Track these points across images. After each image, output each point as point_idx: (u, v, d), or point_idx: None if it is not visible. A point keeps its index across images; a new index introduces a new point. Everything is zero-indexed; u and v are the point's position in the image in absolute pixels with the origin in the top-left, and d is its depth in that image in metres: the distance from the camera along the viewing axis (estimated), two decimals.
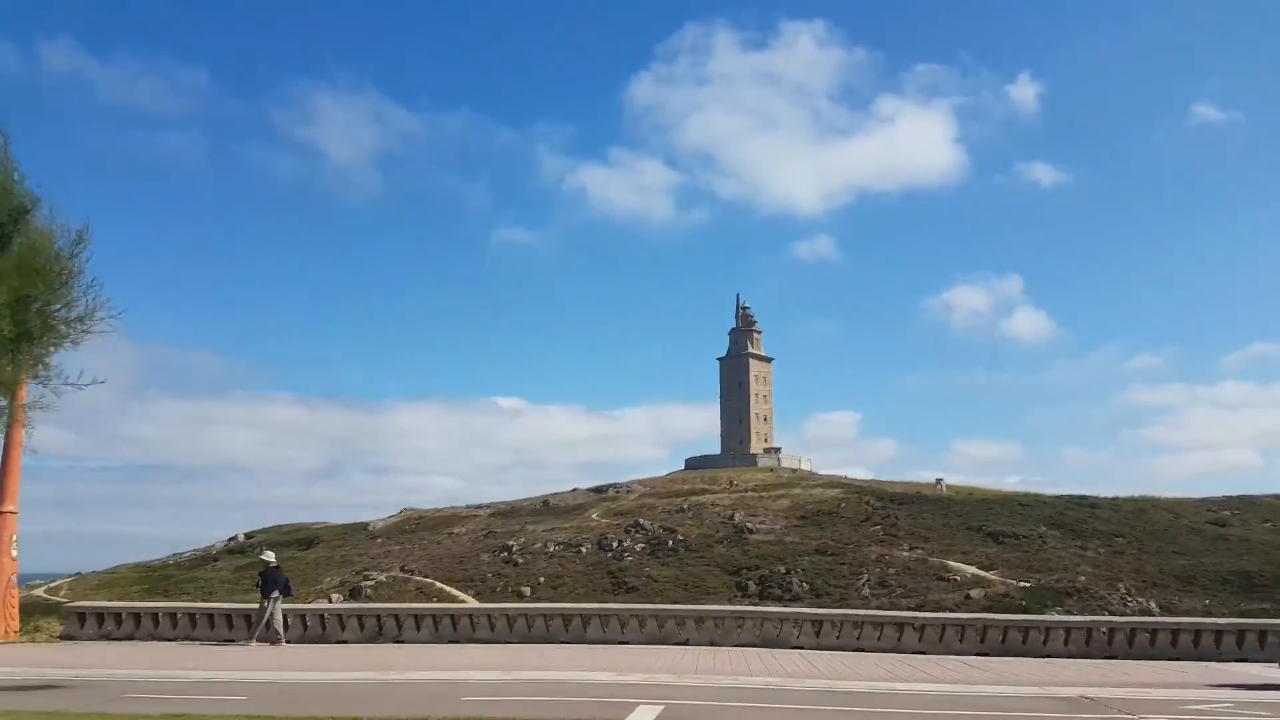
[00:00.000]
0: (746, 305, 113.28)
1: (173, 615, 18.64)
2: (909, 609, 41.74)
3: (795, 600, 52.74)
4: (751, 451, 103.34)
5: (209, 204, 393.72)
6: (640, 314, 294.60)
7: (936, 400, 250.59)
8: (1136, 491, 79.12)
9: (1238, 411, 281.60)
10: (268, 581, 17.01)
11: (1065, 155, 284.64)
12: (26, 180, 10.39)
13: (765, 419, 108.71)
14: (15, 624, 17.34)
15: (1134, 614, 45.09)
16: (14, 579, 17.38)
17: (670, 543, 68.02)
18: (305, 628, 18.18)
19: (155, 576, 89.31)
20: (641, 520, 72.86)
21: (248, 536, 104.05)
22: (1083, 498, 77.00)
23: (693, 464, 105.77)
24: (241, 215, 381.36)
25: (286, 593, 17.38)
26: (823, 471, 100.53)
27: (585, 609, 19.29)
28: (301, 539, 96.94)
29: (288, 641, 17.20)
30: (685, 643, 17.48)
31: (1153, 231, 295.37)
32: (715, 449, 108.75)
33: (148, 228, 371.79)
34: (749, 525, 68.80)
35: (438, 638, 17.75)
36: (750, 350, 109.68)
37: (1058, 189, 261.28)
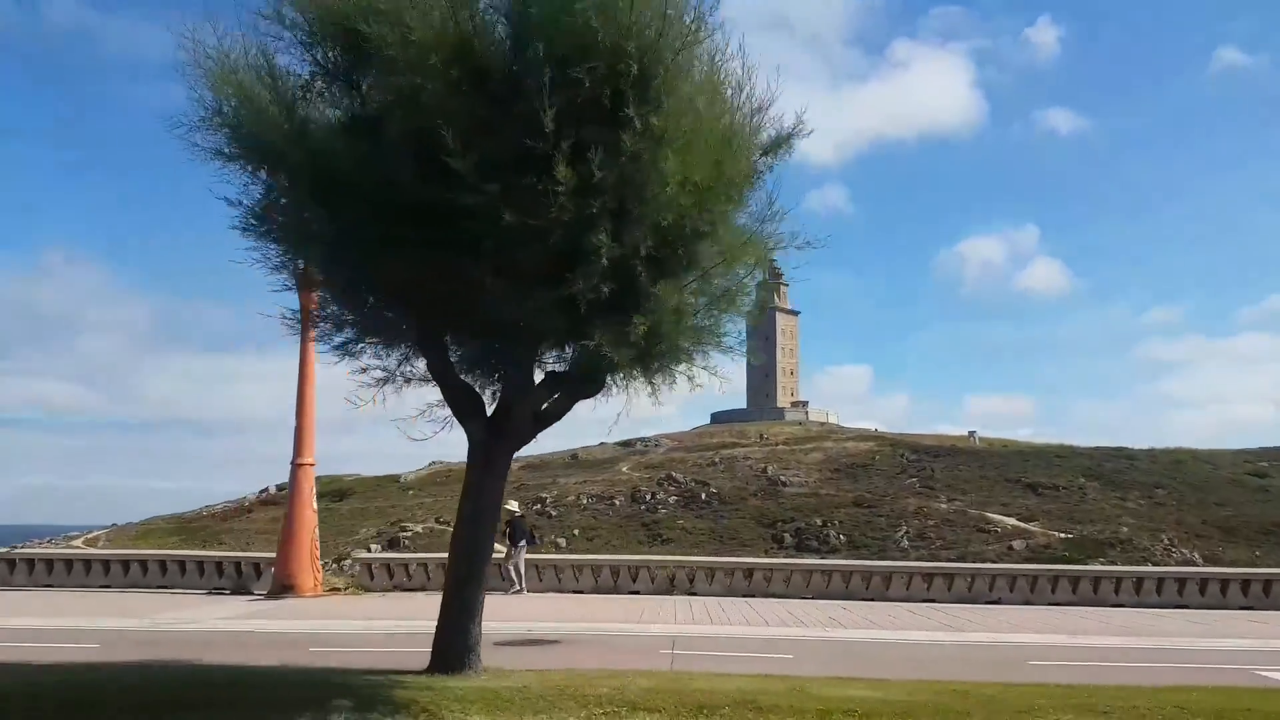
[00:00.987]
0: (774, 258, 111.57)
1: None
2: (950, 561, 41.61)
3: (833, 552, 52.72)
4: (779, 405, 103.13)
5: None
6: None
7: (950, 354, 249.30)
8: (1153, 445, 78.61)
9: (1255, 365, 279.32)
10: (516, 530, 16.80)
11: (1085, 101, 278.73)
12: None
13: (791, 373, 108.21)
14: (320, 576, 17.12)
15: (1176, 565, 44.81)
16: (316, 531, 17.16)
17: (703, 495, 68.09)
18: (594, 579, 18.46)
19: (191, 527, 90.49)
20: (673, 473, 72.96)
21: (279, 489, 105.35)
22: (1119, 449, 76.33)
23: (719, 418, 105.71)
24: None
25: (530, 542, 17.37)
26: (846, 425, 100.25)
27: (911, 567, 19.82)
28: (334, 491, 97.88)
29: (527, 591, 17.12)
30: (998, 601, 17.55)
31: (1172, 180, 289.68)
32: (727, 404, 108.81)
33: (155, 180, 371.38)
34: (782, 478, 68.73)
35: (731, 590, 17.63)
36: (777, 304, 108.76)
37: (1076, 136, 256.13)
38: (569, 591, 17.79)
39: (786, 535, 57.69)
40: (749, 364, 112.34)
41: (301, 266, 7.58)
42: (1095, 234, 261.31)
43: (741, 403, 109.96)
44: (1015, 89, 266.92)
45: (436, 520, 72.17)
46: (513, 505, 18.75)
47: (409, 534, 68.33)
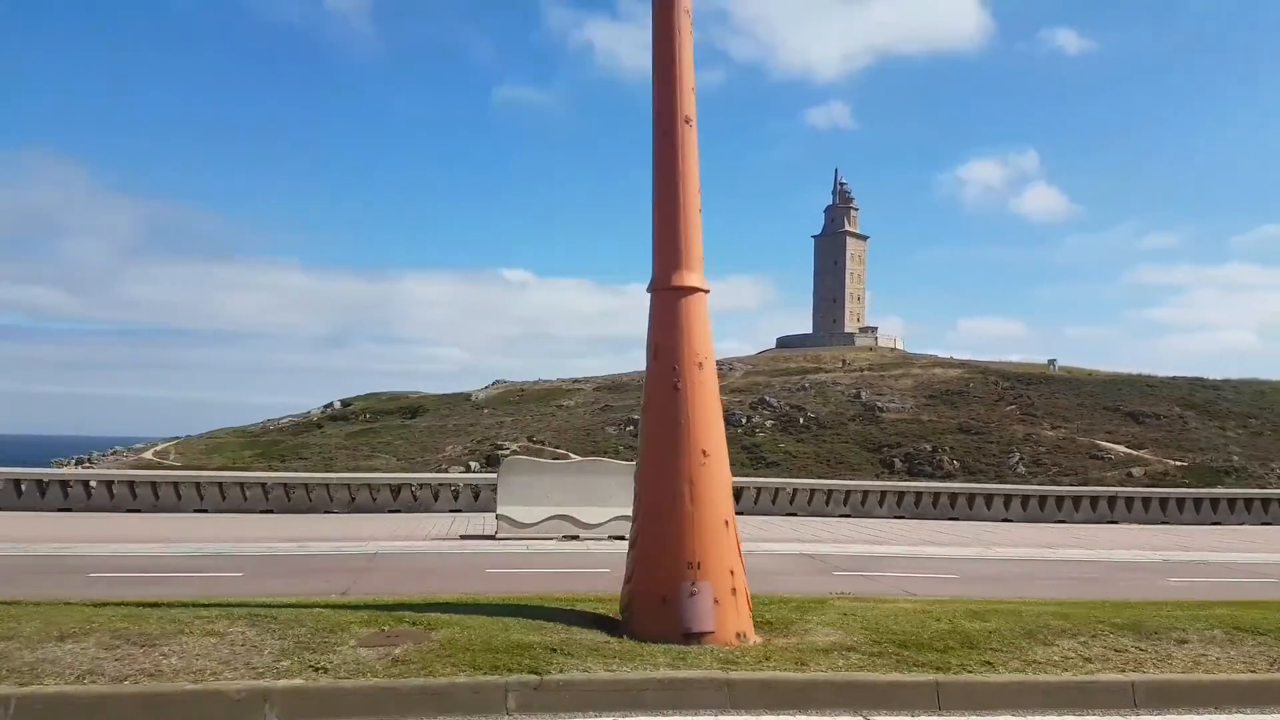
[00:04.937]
0: (844, 181, 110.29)
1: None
2: (1071, 485, 42.62)
3: (949, 478, 53.85)
4: (847, 330, 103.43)
5: (205, 50, 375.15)
6: (645, 182, 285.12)
7: (944, 277, 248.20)
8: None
9: (1242, 294, 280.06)
10: None
11: (1093, 20, 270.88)
12: None
13: (859, 298, 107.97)
14: None
15: None
16: None
17: (801, 420, 69.08)
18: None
19: (263, 441, 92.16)
20: (768, 397, 73.80)
21: (344, 404, 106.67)
22: (1200, 379, 77.01)
23: (786, 343, 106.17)
24: (240, 63, 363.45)
25: None
26: (914, 352, 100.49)
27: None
28: (404, 407, 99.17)
29: None
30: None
31: (1176, 104, 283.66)
32: (792, 329, 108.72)
33: (140, 73, 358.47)
34: (879, 404, 69.56)
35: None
36: (847, 228, 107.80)
37: (1082, 57, 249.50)
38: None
39: (896, 460, 58.85)
40: (815, 288, 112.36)
41: None
42: (1094, 158, 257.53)
43: (806, 328, 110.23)
44: (1025, 5, 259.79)
45: (529, 439, 73.53)
46: None
47: (506, 452, 69.84)
